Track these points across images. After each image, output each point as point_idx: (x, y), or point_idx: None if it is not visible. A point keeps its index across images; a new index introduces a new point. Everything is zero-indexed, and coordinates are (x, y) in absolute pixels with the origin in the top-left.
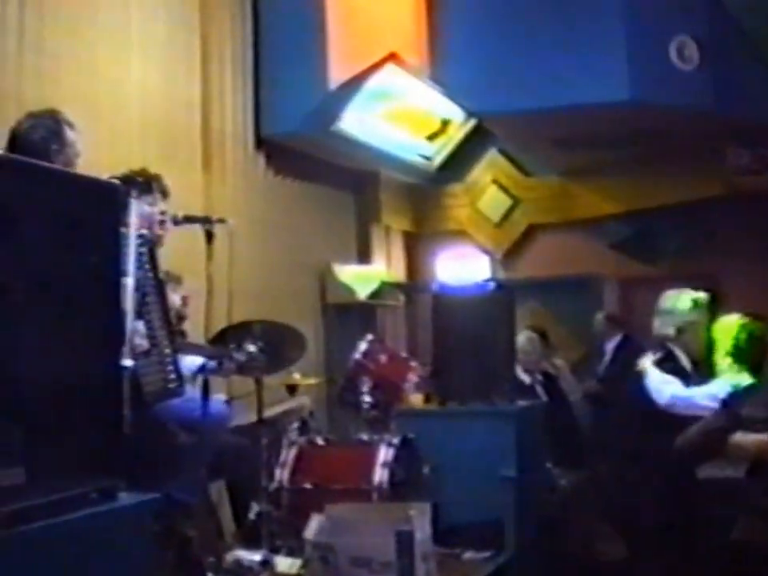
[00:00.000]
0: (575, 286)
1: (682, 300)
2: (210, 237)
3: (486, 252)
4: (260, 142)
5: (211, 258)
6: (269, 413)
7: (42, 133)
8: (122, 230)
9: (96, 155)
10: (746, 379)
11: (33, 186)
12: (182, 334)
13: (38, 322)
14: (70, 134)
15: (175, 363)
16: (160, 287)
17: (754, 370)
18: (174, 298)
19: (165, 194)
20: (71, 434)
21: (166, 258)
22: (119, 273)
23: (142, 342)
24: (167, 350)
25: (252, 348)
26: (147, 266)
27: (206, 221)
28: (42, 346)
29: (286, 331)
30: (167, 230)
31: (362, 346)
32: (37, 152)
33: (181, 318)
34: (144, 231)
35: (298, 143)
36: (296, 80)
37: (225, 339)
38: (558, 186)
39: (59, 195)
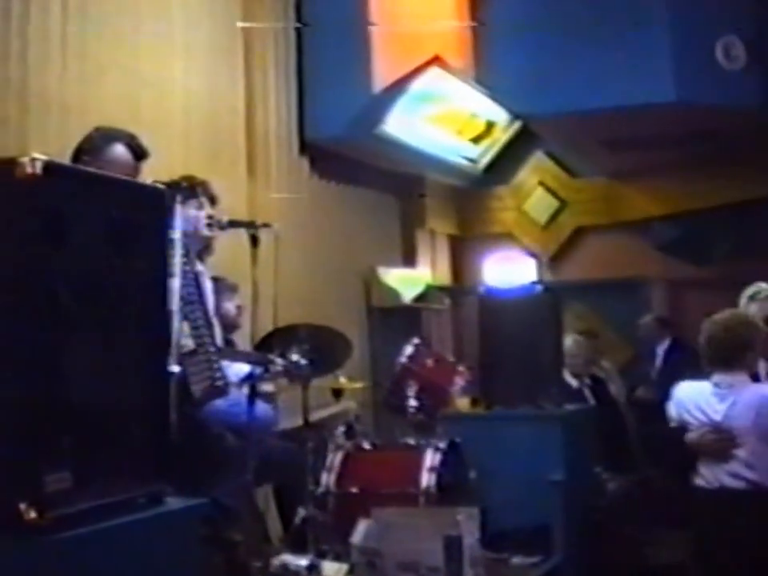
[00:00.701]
0: (623, 288)
1: None
2: (255, 241)
3: (533, 255)
4: (304, 146)
5: (256, 262)
6: (315, 417)
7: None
8: (169, 233)
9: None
10: None
11: (81, 191)
12: (231, 343)
13: (87, 328)
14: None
15: (220, 361)
16: (200, 287)
17: None
18: (229, 307)
19: (213, 199)
20: (119, 438)
21: (211, 262)
22: (166, 277)
23: (188, 342)
24: (212, 349)
25: (298, 353)
26: (188, 267)
27: (251, 225)
28: (90, 351)
29: (331, 335)
30: (215, 234)
31: (408, 349)
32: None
33: (233, 327)
34: (188, 239)
35: (342, 147)
36: (340, 83)
37: (271, 344)
38: (605, 188)
39: (107, 201)
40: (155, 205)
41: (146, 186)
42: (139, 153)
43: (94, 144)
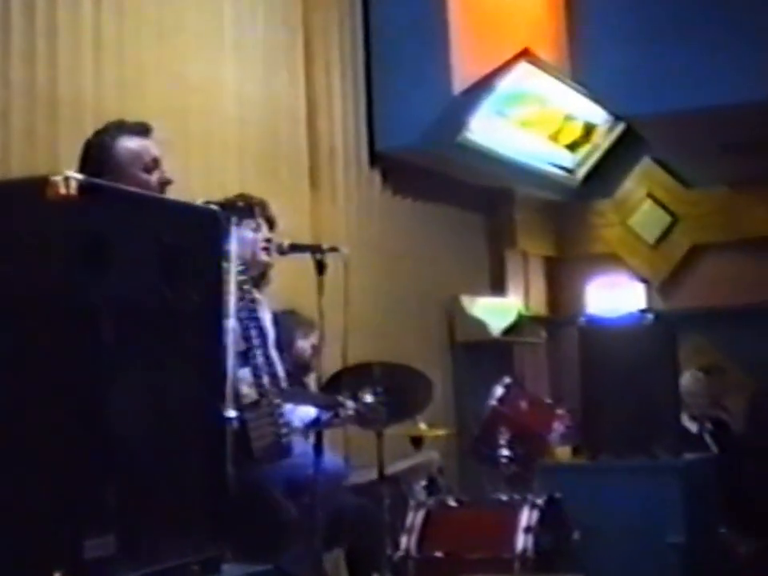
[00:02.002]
0: (748, 316)
1: None
2: (321, 268)
3: (641, 278)
4: (375, 158)
5: (323, 291)
6: (392, 469)
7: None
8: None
9: (187, 177)
10: None
11: (123, 214)
12: (305, 387)
13: (131, 367)
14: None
15: (286, 414)
16: (260, 322)
17: None
18: (304, 346)
19: (271, 222)
20: (169, 496)
21: (271, 291)
22: (222, 310)
23: (250, 392)
24: (277, 400)
25: (371, 395)
26: (250, 303)
27: (316, 249)
28: (136, 393)
29: (409, 374)
30: (273, 260)
31: (498, 390)
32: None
33: (308, 368)
34: (244, 265)
35: (418, 158)
36: (415, 85)
37: (340, 385)
38: (725, 199)
39: (153, 224)
40: (208, 228)
41: (197, 208)
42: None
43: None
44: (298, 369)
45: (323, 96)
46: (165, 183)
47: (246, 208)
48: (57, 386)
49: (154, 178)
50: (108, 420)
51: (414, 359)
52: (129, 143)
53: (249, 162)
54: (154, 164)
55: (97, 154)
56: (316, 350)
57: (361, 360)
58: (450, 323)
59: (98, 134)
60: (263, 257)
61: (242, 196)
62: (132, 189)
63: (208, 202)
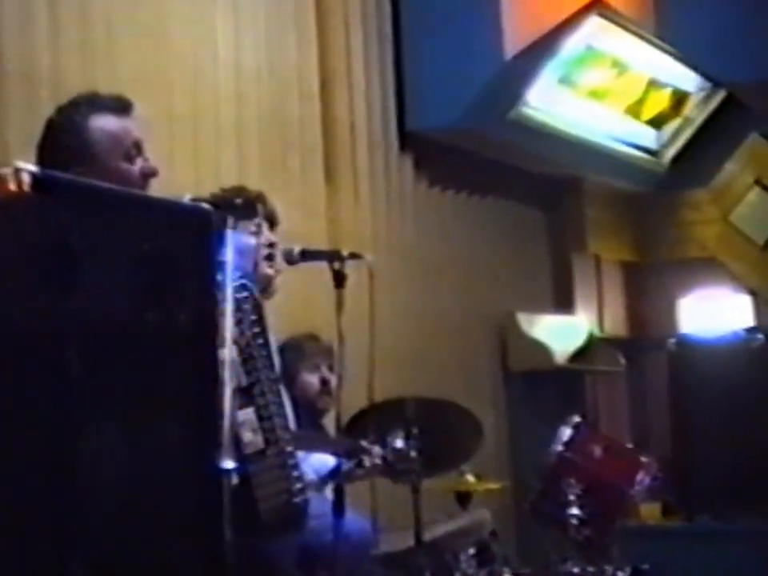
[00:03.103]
0: None
1: None
2: (340, 279)
3: (747, 289)
4: (406, 141)
5: (342, 308)
6: (432, 534)
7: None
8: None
9: (171, 168)
10: None
11: (94, 215)
12: (320, 428)
13: (103, 407)
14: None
15: (300, 465)
16: (269, 356)
17: None
18: (310, 381)
19: (271, 220)
20: (150, 570)
21: (277, 310)
22: (216, 336)
23: (254, 439)
24: (289, 447)
25: (404, 439)
26: (254, 327)
27: (333, 256)
28: (109, 440)
29: (452, 413)
30: (278, 271)
31: (566, 432)
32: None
33: (313, 410)
34: (244, 278)
35: (461, 140)
36: (456, 49)
37: (364, 426)
38: None
39: (130, 229)
40: (199, 232)
41: (185, 207)
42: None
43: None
44: (313, 410)
45: (340, 64)
46: (149, 174)
47: (244, 205)
48: (8, 432)
49: (136, 167)
50: (73, 474)
51: (458, 393)
52: (105, 123)
53: (248, 149)
54: (137, 150)
55: (63, 137)
56: (326, 383)
57: (391, 395)
58: (503, 347)
59: (64, 111)
60: (267, 269)
61: (237, 190)
62: (104, 184)
63: (197, 199)
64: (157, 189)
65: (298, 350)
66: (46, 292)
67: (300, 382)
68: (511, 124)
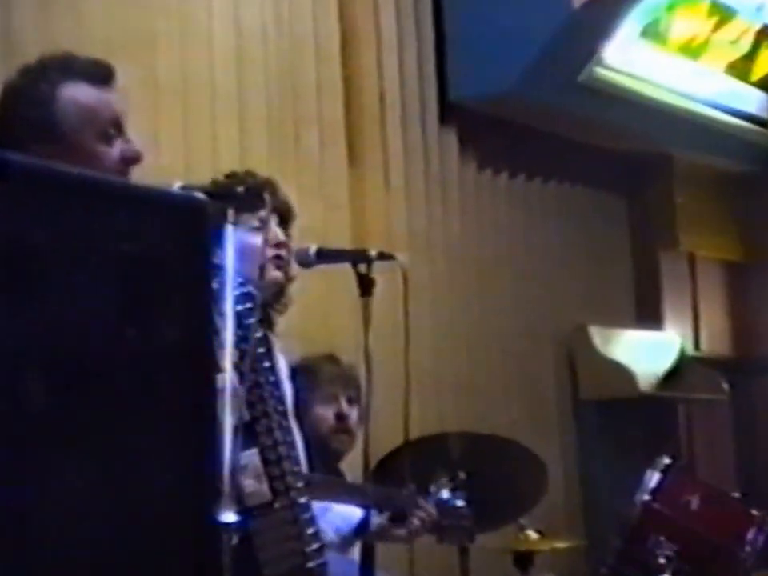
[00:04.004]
0: None
1: None
2: (366, 286)
3: None
4: (448, 114)
5: (370, 323)
6: None
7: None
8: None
9: (156, 148)
10: None
11: (61, 209)
12: (336, 473)
13: (72, 446)
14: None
15: (315, 520)
16: (278, 384)
17: None
18: (323, 416)
19: (284, 214)
20: None
21: (288, 325)
22: (211, 359)
23: (258, 488)
24: (302, 498)
25: (448, 486)
26: (259, 347)
27: (358, 257)
28: (79, 487)
29: (508, 452)
30: (291, 276)
31: (653, 477)
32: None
33: (326, 449)
34: (246, 286)
35: (517, 111)
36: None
37: (398, 470)
38: None
39: (107, 225)
40: (191, 229)
41: (174, 197)
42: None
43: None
44: (321, 452)
45: (366, 17)
46: (131, 160)
47: (248, 194)
48: None
49: (114, 150)
50: (31, 531)
51: (516, 428)
52: (79, 94)
53: (252, 124)
54: (117, 129)
55: (24, 109)
56: (343, 419)
57: (431, 430)
58: (573, 370)
59: (28, 75)
60: (275, 272)
61: (238, 175)
62: (74, 168)
63: (189, 188)
64: (139, 175)
65: (310, 375)
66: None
67: (312, 415)
68: (581, 89)
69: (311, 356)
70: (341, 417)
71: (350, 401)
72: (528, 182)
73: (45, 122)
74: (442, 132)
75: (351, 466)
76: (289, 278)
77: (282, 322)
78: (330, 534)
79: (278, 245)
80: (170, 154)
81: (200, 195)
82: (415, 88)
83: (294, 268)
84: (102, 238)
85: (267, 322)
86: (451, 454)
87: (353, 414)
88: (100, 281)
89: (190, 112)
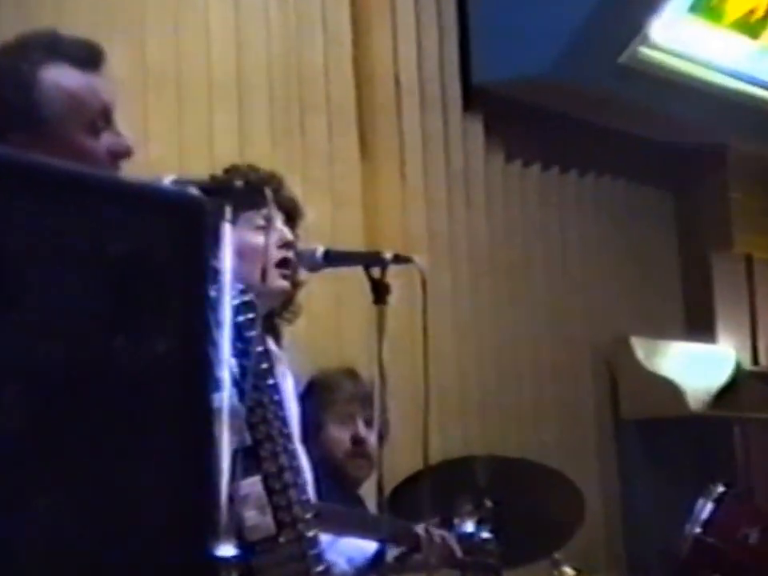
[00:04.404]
0: None
1: None
2: (381, 292)
3: None
4: (473, 99)
5: (384, 331)
6: None
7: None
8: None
9: (146, 137)
10: None
11: (39, 207)
12: (352, 502)
13: (52, 474)
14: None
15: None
16: (282, 404)
17: None
18: (339, 437)
19: (290, 212)
20: None
21: (295, 336)
22: (207, 376)
23: (261, 520)
24: (310, 531)
25: (473, 517)
26: (262, 362)
27: (371, 260)
28: (60, 520)
29: (540, 479)
30: (299, 282)
31: (706, 507)
32: None
33: (341, 475)
34: (247, 293)
35: (550, 96)
36: None
37: (417, 499)
38: None
39: (90, 225)
40: (185, 229)
41: (165, 193)
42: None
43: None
44: (335, 479)
45: (381, 3)
46: (120, 154)
47: (248, 190)
48: None
49: (102, 144)
50: (9, 556)
51: (550, 451)
52: (64, 78)
53: (252, 112)
54: (105, 120)
55: (1, 91)
56: (361, 442)
57: (454, 453)
58: (613, 386)
59: (7, 53)
60: (281, 279)
61: (238, 169)
62: (55, 160)
63: (182, 182)
64: (127, 169)
65: (325, 392)
66: None
67: (326, 437)
68: (624, 72)
69: (326, 370)
70: (358, 440)
71: (368, 422)
72: (562, 176)
73: (24, 107)
74: (465, 120)
75: (366, 493)
76: (296, 284)
77: (286, 334)
78: (341, 565)
79: (285, 245)
80: (161, 146)
81: (194, 191)
82: (435, 70)
83: (302, 273)
84: (86, 239)
85: (273, 333)
86: (477, 481)
87: (372, 437)
88: (83, 287)
89: (184, 99)
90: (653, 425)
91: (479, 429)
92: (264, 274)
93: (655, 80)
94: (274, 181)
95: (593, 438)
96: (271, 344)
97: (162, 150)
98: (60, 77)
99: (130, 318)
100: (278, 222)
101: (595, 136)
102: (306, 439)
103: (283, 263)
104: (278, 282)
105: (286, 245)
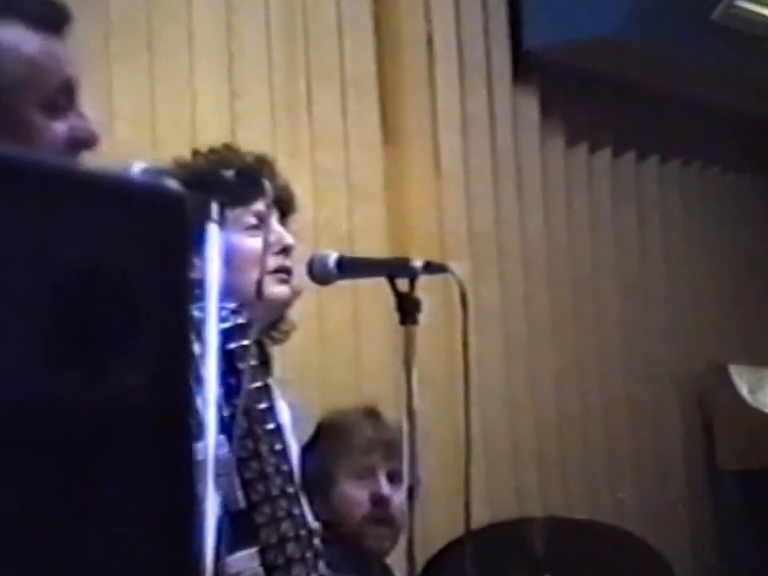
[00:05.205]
0: None
1: None
2: (409, 308)
3: None
4: (522, 67)
5: (414, 358)
6: None
7: None
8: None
9: (109, 112)
10: None
11: None
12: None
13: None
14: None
15: None
16: (284, 452)
17: None
18: (355, 497)
19: (284, 205)
20: None
21: (301, 365)
22: (188, 418)
23: None
24: None
25: None
26: (259, 401)
27: (397, 268)
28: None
29: (614, 545)
30: (297, 291)
31: None
32: None
33: (372, 549)
34: (243, 316)
35: (623, 63)
36: None
37: (458, 572)
38: None
39: (46, 224)
40: (160, 230)
41: (136, 185)
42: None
43: None
44: (351, 547)
45: None
46: (83, 142)
47: (238, 179)
48: None
49: (62, 126)
50: None
51: (627, 510)
52: (19, 41)
53: (248, 82)
54: (67, 96)
55: None
56: (384, 503)
57: (503, 514)
58: (707, 427)
59: None
60: (278, 287)
61: (224, 153)
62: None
63: (155, 171)
64: (89, 153)
65: (336, 438)
66: None
67: (338, 496)
68: (717, 31)
69: (339, 410)
70: (380, 500)
71: (393, 477)
72: (639, 163)
73: None
74: (515, 93)
75: (394, 564)
76: (294, 293)
77: (284, 359)
78: None
79: (283, 251)
80: (129, 125)
81: (171, 182)
82: (477, 32)
83: (304, 281)
84: (38, 243)
85: (263, 360)
86: (533, 548)
87: (398, 495)
88: (33, 302)
89: (159, 65)
90: (758, 477)
91: (535, 482)
92: (259, 286)
93: (759, 41)
94: (267, 167)
95: (681, 494)
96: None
97: (130, 130)
98: (14, 38)
99: (88, 347)
100: (274, 220)
101: (681, 112)
102: (312, 499)
103: (281, 272)
104: (276, 289)
105: (284, 250)
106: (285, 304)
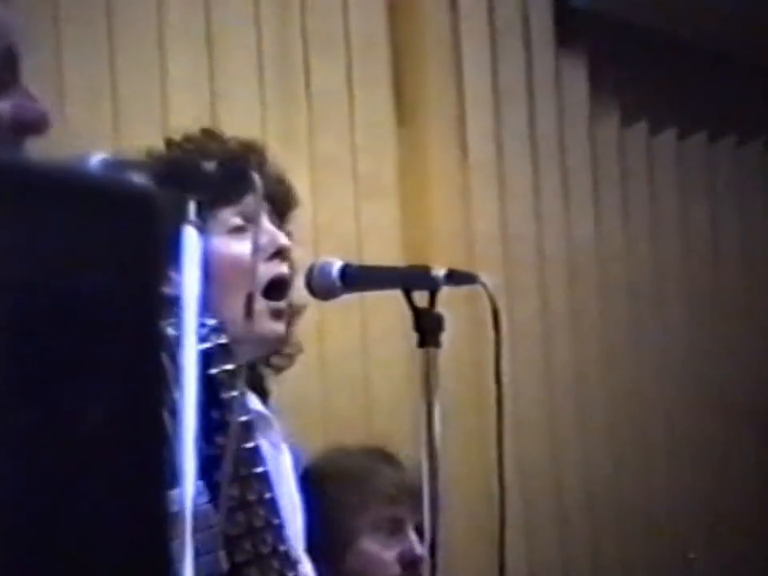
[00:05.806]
0: None
1: None
2: (428, 325)
3: None
4: (569, 29)
5: (436, 389)
6: None
7: None
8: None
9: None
10: None
11: None
12: None
13: None
14: None
15: None
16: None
17: None
18: (381, 556)
19: (280, 200)
20: None
21: (300, 395)
22: (162, 464)
23: None
24: None
25: None
26: (246, 438)
27: (414, 278)
28: None
29: None
30: (298, 309)
31: None
32: None
33: None
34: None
35: (685, 21)
36: None
37: None
38: None
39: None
40: (128, 237)
41: (99, 183)
42: None
43: None
44: None
45: None
46: (31, 126)
47: (223, 173)
48: None
49: (4, 106)
50: None
51: (703, 570)
52: None
53: (234, 53)
54: (10, 70)
55: None
56: (414, 564)
57: (546, 575)
58: None
59: None
60: (272, 325)
61: (205, 140)
62: None
63: (120, 163)
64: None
65: (353, 487)
66: None
67: (359, 556)
68: None
69: (347, 451)
70: (411, 560)
71: (419, 530)
72: (713, 146)
73: None
74: (559, 60)
75: None
76: (294, 313)
77: (277, 388)
78: None
79: (277, 254)
80: (86, 106)
81: (139, 177)
82: None
83: (303, 293)
84: None
85: (258, 390)
86: None
87: (423, 549)
88: None
89: (120, 30)
90: None
91: (585, 537)
92: (249, 304)
93: None
94: (257, 157)
95: (764, 554)
96: (256, 403)
97: (85, 111)
98: None
99: (45, 373)
100: (265, 220)
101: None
102: (321, 561)
103: (275, 289)
104: (268, 325)
105: (278, 253)
106: (278, 341)
